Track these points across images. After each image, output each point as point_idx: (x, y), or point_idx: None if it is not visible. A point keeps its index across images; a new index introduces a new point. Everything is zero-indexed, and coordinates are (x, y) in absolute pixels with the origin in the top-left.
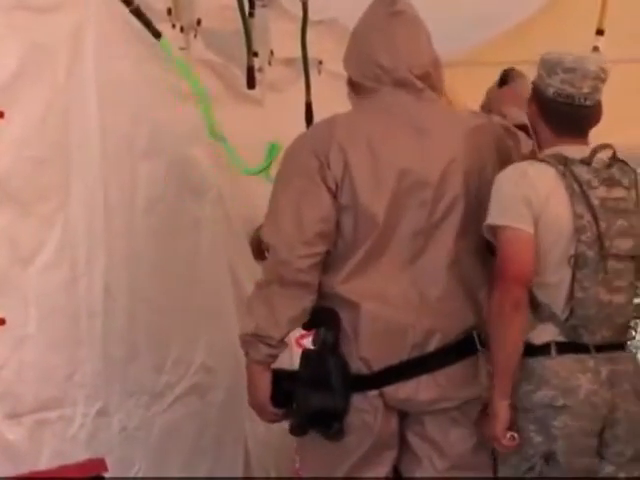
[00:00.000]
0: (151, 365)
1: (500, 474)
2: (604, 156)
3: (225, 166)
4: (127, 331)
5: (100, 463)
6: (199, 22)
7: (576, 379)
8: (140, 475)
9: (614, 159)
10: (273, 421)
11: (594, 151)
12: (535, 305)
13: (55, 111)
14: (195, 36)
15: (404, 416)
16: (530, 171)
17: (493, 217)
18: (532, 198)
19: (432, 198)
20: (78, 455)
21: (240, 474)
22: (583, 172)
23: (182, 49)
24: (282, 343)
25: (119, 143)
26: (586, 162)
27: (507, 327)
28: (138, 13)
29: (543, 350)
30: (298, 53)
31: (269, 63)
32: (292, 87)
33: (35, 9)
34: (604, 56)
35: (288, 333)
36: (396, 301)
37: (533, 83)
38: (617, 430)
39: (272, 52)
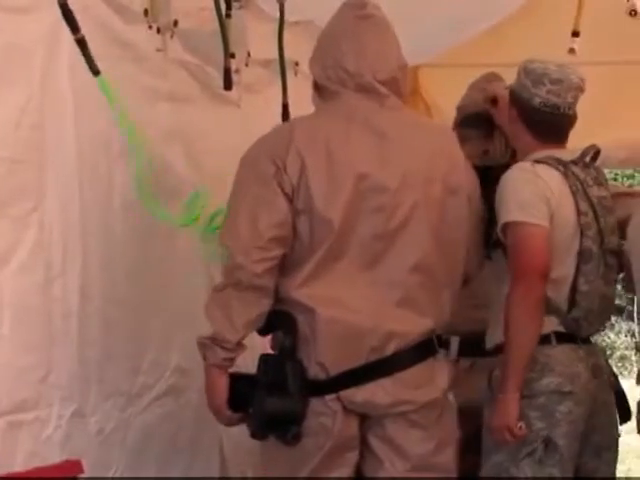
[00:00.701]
0: (127, 367)
1: (493, 462)
2: (589, 157)
3: (202, 167)
4: (103, 333)
5: (76, 465)
6: (176, 23)
7: (576, 366)
8: (117, 477)
9: (594, 160)
10: (231, 424)
11: (584, 153)
12: None
13: (30, 112)
14: (172, 37)
15: (365, 418)
16: (540, 172)
17: (512, 214)
18: (549, 196)
19: (390, 203)
20: (54, 457)
21: (216, 474)
22: (579, 172)
23: (159, 50)
24: (239, 346)
25: (95, 144)
26: (577, 163)
27: (530, 323)
28: (82, 44)
29: (543, 340)
30: (275, 54)
31: (246, 64)
32: (269, 88)
33: (10, 9)
34: (580, 58)
35: (244, 337)
36: (354, 305)
37: (513, 90)
38: (596, 421)
39: (249, 53)
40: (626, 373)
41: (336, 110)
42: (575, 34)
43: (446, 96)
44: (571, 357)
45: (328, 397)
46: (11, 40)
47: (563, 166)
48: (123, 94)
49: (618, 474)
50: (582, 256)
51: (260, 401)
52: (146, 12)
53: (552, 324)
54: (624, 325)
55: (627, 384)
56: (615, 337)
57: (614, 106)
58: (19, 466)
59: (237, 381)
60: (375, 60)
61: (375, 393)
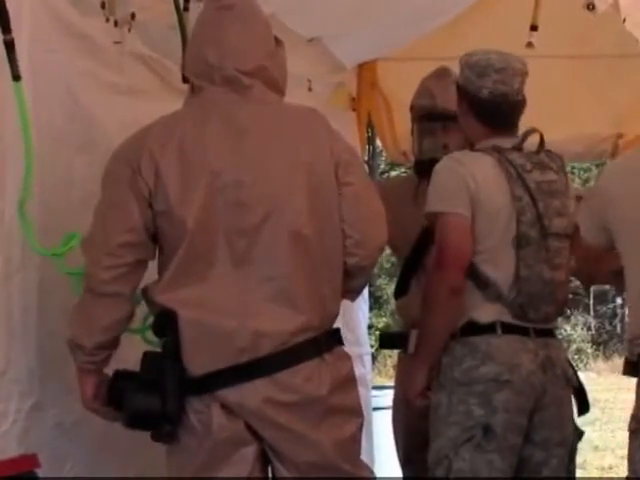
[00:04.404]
0: None
1: (434, 448)
2: (531, 142)
3: None
4: (62, 327)
5: (33, 459)
6: (133, 16)
7: (518, 357)
8: (74, 471)
9: (542, 146)
10: (108, 419)
11: (524, 137)
12: (484, 285)
13: None
14: (129, 30)
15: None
16: (465, 159)
17: (432, 204)
18: (469, 183)
19: (249, 198)
20: (11, 451)
21: None
22: (516, 157)
23: (116, 43)
24: (99, 350)
25: (54, 138)
26: (517, 148)
27: (442, 312)
28: (10, 46)
29: (488, 329)
30: None
31: None
32: None
33: None
34: (538, 52)
35: (105, 342)
36: (218, 306)
37: (460, 85)
38: (545, 415)
39: None
40: (582, 366)
41: (196, 106)
42: (533, 28)
43: (404, 90)
44: (515, 347)
45: (204, 396)
46: None
47: (498, 152)
48: (80, 87)
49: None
50: (519, 241)
51: (129, 398)
52: (103, 5)
53: (497, 312)
54: (580, 318)
55: (583, 376)
56: (571, 330)
57: (571, 100)
58: None
59: (117, 378)
60: (237, 50)
61: (246, 395)
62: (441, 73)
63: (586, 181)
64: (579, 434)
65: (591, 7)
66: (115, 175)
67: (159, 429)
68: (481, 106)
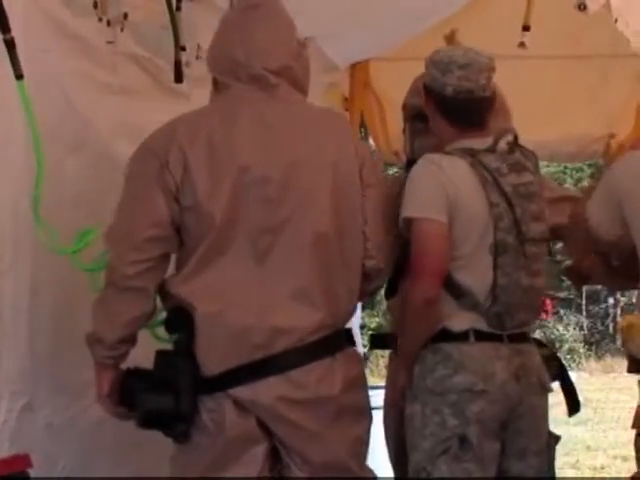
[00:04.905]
0: (78, 361)
1: (412, 461)
2: (504, 143)
3: None
4: (53, 327)
5: (25, 459)
6: (126, 16)
7: (492, 365)
8: (66, 471)
9: (515, 144)
10: (122, 419)
11: (497, 138)
12: (458, 294)
13: None
14: (122, 30)
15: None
16: (443, 163)
17: (407, 210)
18: (447, 188)
19: (276, 194)
20: (2, 451)
21: (168, 473)
22: (491, 160)
23: (109, 43)
24: (120, 345)
25: (45, 137)
26: (491, 150)
27: (417, 322)
28: (10, 45)
29: (461, 337)
30: None
31: (196, 57)
32: None
33: None
34: (530, 52)
35: (126, 336)
36: (238, 301)
37: (426, 84)
38: (521, 424)
39: (199, 46)
40: (574, 365)
41: (223, 103)
42: (525, 28)
43: (397, 90)
44: (489, 355)
45: (217, 394)
46: None
47: (472, 156)
48: (73, 87)
49: (566, 466)
50: (497, 249)
51: (141, 398)
52: (95, 4)
53: (471, 320)
54: (572, 318)
55: (575, 376)
56: (564, 330)
57: (563, 100)
58: None
59: (129, 377)
60: (265, 49)
61: (260, 392)
62: None
63: (578, 181)
64: (555, 439)
65: (582, 7)
66: (141, 168)
67: (173, 428)
68: (446, 104)
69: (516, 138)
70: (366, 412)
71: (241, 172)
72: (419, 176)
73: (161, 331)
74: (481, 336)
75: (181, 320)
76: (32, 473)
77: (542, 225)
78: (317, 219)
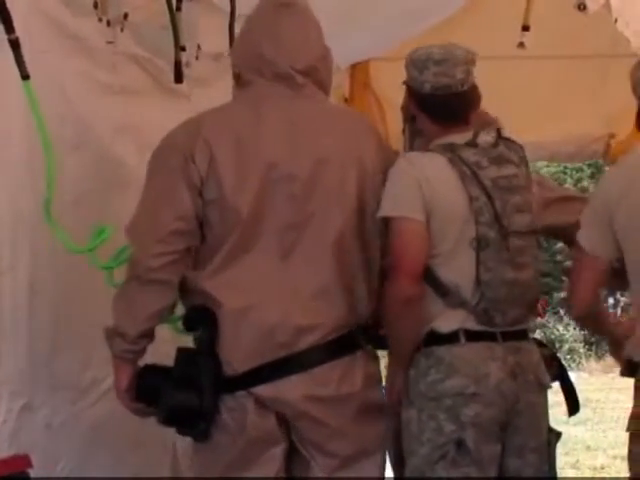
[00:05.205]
0: (77, 361)
1: (409, 467)
2: (489, 137)
3: None
4: (52, 326)
5: (25, 459)
6: (126, 16)
7: (486, 366)
8: (65, 471)
9: (500, 137)
10: (141, 415)
11: (476, 132)
12: (443, 292)
13: None
14: (122, 30)
15: (282, 414)
16: (417, 160)
17: (384, 209)
18: (422, 185)
19: (302, 192)
20: (2, 451)
21: (168, 473)
22: (470, 155)
23: (109, 43)
24: (141, 339)
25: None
26: (471, 144)
27: (399, 321)
28: (15, 45)
29: (451, 338)
30: (226, 47)
31: (196, 57)
32: (219, 82)
33: None
34: (529, 52)
35: (147, 330)
36: (263, 298)
37: (407, 84)
38: (519, 422)
39: (199, 46)
40: (574, 366)
41: (249, 99)
42: (525, 28)
43: (397, 90)
44: (481, 356)
45: (239, 393)
46: None
47: (452, 152)
48: (73, 87)
49: (566, 466)
50: (479, 243)
51: (166, 395)
52: (96, 5)
53: (459, 320)
54: None
55: (575, 376)
56: (564, 330)
57: (563, 100)
58: None
59: (148, 373)
60: (293, 49)
61: (284, 390)
62: None
63: (578, 181)
64: (556, 435)
65: (582, 7)
66: (166, 162)
67: (195, 427)
68: (426, 102)
69: (499, 131)
70: (384, 409)
71: (268, 169)
72: (394, 176)
73: (180, 326)
74: (472, 336)
75: (202, 317)
76: (32, 473)
77: (527, 217)
78: (341, 217)
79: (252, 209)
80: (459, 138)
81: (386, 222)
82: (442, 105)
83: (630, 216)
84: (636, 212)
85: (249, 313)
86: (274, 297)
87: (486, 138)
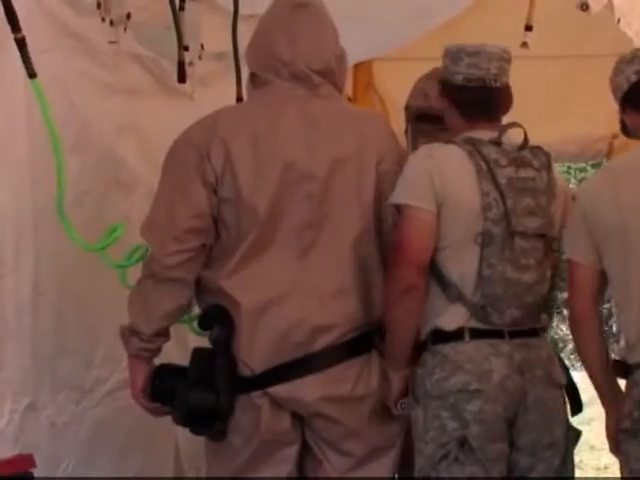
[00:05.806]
0: (81, 360)
1: (417, 466)
2: (515, 140)
3: (155, 160)
4: (56, 327)
5: (28, 459)
6: (129, 16)
7: (489, 363)
8: (69, 471)
9: (526, 142)
10: (156, 415)
11: (502, 130)
12: (444, 286)
13: None
14: (125, 30)
15: (297, 414)
16: (435, 151)
17: (396, 196)
18: (434, 176)
19: (319, 191)
20: (6, 451)
21: (171, 471)
22: (492, 152)
23: (112, 43)
24: (157, 337)
25: (47, 139)
26: (495, 142)
27: (398, 310)
28: (21, 44)
29: (455, 336)
30: (229, 47)
31: (200, 57)
32: (223, 81)
33: None
34: (533, 52)
35: (163, 328)
36: (281, 297)
37: (441, 77)
38: (529, 417)
39: (203, 46)
40: (577, 365)
41: (265, 98)
42: (528, 28)
43: (400, 90)
44: (485, 353)
45: (254, 393)
46: None
47: (472, 145)
48: (76, 87)
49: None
50: (483, 239)
51: (183, 394)
52: (99, 4)
53: (461, 317)
54: None
55: (579, 376)
56: (567, 330)
57: (566, 100)
58: None
59: (163, 372)
60: (309, 49)
61: (300, 390)
62: (435, 74)
63: (581, 181)
64: (576, 434)
65: (585, 8)
66: (181, 160)
67: (212, 427)
68: (457, 94)
69: (525, 135)
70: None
71: (286, 168)
72: (410, 165)
73: (196, 325)
74: (477, 334)
75: (218, 317)
76: (36, 473)
77: (538, 221)
78: (358, 217)
79: (270, 209)
80: (484, 134)
81: (398, 210)
82: (472, 98)
83: (607, 224)
84: (613, 219)
85: (266, 312)
86: (291, 297)
87: (511, 140)
